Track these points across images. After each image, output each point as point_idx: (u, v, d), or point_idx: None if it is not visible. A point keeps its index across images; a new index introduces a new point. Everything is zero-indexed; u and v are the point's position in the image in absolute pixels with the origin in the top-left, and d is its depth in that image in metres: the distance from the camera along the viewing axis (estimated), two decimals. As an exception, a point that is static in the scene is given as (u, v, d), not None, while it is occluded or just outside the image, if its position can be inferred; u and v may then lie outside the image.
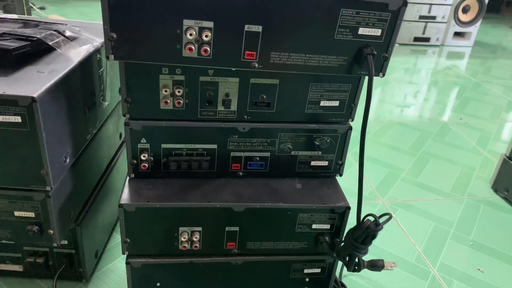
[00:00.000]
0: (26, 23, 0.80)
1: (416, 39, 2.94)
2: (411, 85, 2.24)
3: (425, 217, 1.19)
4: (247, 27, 0.56)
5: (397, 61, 2.61)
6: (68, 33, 0.80)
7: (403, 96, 2.07)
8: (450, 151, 1.57)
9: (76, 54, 0.75)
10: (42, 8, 2.80)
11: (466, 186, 1.35)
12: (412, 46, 2.94)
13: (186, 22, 0.55)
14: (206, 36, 0.55)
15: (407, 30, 2.89)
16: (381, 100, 2.00)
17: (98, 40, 0.83)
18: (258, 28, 0.56)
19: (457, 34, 3.04)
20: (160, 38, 0.55)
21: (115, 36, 0.54)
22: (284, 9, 0.56)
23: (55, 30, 0.78)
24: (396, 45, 2.91)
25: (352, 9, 0.56)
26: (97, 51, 0.80)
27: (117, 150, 1.03)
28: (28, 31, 0.74)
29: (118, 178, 1.01)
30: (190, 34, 0.55)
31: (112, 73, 0.89)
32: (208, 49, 0.56)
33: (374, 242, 1.06)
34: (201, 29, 0.55)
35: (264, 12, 0.55)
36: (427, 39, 2.96)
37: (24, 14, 2.48)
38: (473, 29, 3.01)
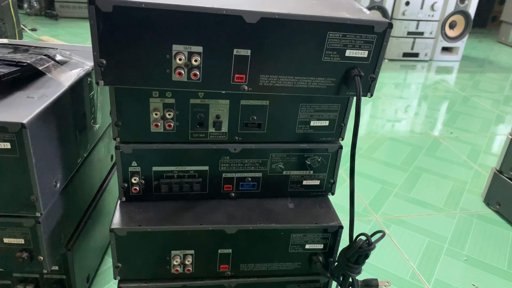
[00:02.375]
0: (16, 48, 0.80)
1: (405, 54, 2.99)
2: (401, 100, 2.26)
3: (418, 233, 1.19)
4: (236, 51, 0.57)
5: (387, 76, 2.64)
6: (58, 57, 0.80)
7: (393, 111, 2.09)
8: (442, 165, 1.58)
9: (66, 78, 0.75)
10: (33, 30, 2.81)
11: (458, 201, 1.36)
12: (401, 62, 2.98)
13: (176, 47, 0.55)
14: (196, 60, 0.56)
15: (396, 45, 2.93)
16: (372, 115, 2.02)
17: (89, 63, 0.83)
18: (247, 52, 0.57)
19: (445, 49, 3.10)
20: (150, 63, 0.56)
21: (104, 62, 0.55)
22: (272, 33, 0.56)
23: (45, 55, 0.78)
24: (386, 60, 2.96)
25: (339, 32, 0.57)
26: (87, 74, 0.81)
27: (109, 172, 1.03)
28: (18, 57, 0.74)
29: (110, 200, 1.00)
30: (180, 59, 0.55)
31: (103, 96, 0.89)
32: (198, 73, 0.57)
33: (368, 259, 1.06)
34: (190, 54, 0.56)
35: (253, 36, 0.56)
36: (416, 55, 3.01)
37: (16, 36, 2.48)
38: (461, 44, 3.06)
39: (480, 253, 1.12)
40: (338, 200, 0.79)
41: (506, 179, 1.26)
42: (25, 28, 2.72)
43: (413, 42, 2.95)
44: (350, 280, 0.72)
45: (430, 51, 3.03)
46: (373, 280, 0.74)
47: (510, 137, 1.24)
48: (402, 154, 1.65)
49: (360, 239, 0.65)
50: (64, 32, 2.90)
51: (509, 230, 1.22)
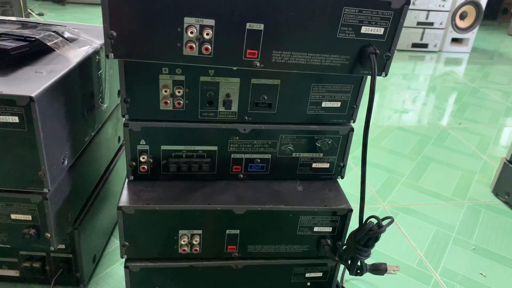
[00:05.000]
0: (24, 24, 0.79)
1: (414, 45, 2.95)
2: (409, 90, 2.24)
3: (426, 222, 1.18)
4: (248, 25, 0.56)
5: (396, 66, 2.61)
6: (67, 35, 0.79)
7: (401, 101, 2.07)
8: (450, 155, 1.57)
9: (75, 55, 0.74)
10: (40, 14, 2.80)
11: (466, 191, 1.35)
12: (410, 52, 2.95)
13: (187, 20, 0.54)
14: (207, 34, 0.55)
15: (405, 36, 2.90)
16: (380, 105, 2.00)
17: (97, 41, 0.82)
18: (260, 26, 0.56)
19: (455, 40, 3.05)
20: (161, 36, 0.55)
21: (115, 34, 0.54)
22: (286, 7, 0.55)
23: (53, 31, 0.77)
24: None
25: (355, 7, 0.56)
26: (96, 52, 0.80)
27: (116, 154, 1.02)
28: (26, 32, 0.73)
29: (117, 182, 1.00)
30: (191, 32, 0.54)
31: (111, 76, 0.88)
32: (209, 47, 0.56)
33: (376, 246, 1.05)
34: (202, 27, 0.55)
35: (266, 9, 0.55)
36: (425, 45, 2.97)
37: (23, 20, 2.47)
38: (471, 35, 3.02)
39: (488, 242, 1.11)
40: (345, 187, 0.78)
41: (516, 169, 1.24)
42: (32, 13, 2.71)
43: (423, 33, 2.91)
44: (359, 264, 0.71)
45: (440, 42, 2.99)
46: (382, 264, 0.74)
47: (522, 126, 1.22)
48: (410, 143, 1.64)
49: (371, 221, 0.64)
50: (71, 17, 2.88)
51: (518, 220, 1.21)
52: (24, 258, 0.81)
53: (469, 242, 1.11)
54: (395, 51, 0.57)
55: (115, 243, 0.99)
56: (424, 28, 2.91)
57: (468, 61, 2.90)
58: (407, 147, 1.60)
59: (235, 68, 0.63)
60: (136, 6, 0.53)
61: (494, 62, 2.90)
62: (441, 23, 2.92)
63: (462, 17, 2.96)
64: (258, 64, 0.58)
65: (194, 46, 0.55)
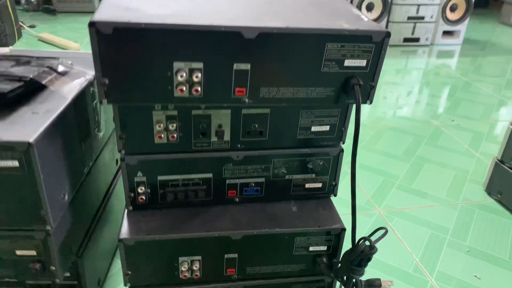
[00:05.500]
0: (17, 61, 0.81)
1: (406, 39, 2.97)
2: (402, 87, 2.26)
3: (421, 225, 1.21)
4: (236, 66, 0.58)
5: (388, 63, 2.63)
6: (60, 68, 0.81)
7: (395, 100, 2.09)
8: (443, 154, 1.59)
9: (69, 90, 0.76)
10: (32, 26, 2.80)
11: (460, 191, 1.37)
12: (402, 47, 2.96)
13: (176, 65, 0.56)
14: (196, 76, 0.57)
15: (397, 31, 2.91)
16: (373, 105, 2.02)
17: (90, 73, 0.84)
18: (247, 66, 0.58)
19: (446, 33, 3.07)
20: (152, 81, 0.57)
21: (107, 81, 0.56)
22: (271, 47, 0.57)
23: (47, 67, 0.79)
24: (386, 46, 2.93)
25: (337, 42, 0.58)
26: (90, 84, 0.81)
27: (115, 176, 1.04)
28: (20, 71, 0.75)
29: (117, 204, 1.02)
30: (181, 76, 0.56)
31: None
32: (199, 89, 0.58)
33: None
34: (191, 70, 0.57)
35: (252, 51, 0.57)
36: (417, 39, 2.99)
37: (15, 34, 2.48)
38: (462, 27, 3.04)
39: (482, 243, 1.14)
40: (341, 193, 0.80)
41: (508, 168, 1.27)
42: (24, 26, 2.71)
43: (414, 27, 2.93)
44: (354, 280, 0.74)
45: (431, 36, 3.01)
46: (376, 280, 0.76)
47: (511, 127, 1.25)
48: (403, 144, 1.66)
49: (363, 243, 0.67)
50: (63, 28, 2.89)
51: (511, 219, 1.24)
52: (31, 286, 0.83)
53: (463, 244, 1.14)
54: (388, 46, 0.59)
55: (119, 264, 1.02)
56: (415, 23, 2.92)
57: (460, 53, 2.92)
58: (400, 148, 1.62)
59: (225, 105, 0.65)
60: (126, 54, 0.54)
61: (486, 53, 2.92)
62: (431, 17, 2.93)
63: (453, 9, 2.98)
64: (247, 101, 0.61)
65: (185, 88, 0.57)
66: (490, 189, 1.34)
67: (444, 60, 2.76)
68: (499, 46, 3.11)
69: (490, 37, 3.36)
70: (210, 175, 0.74)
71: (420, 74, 2.48)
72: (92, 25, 0.52)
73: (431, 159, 1.56)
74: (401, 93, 2.18)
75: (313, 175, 0.78)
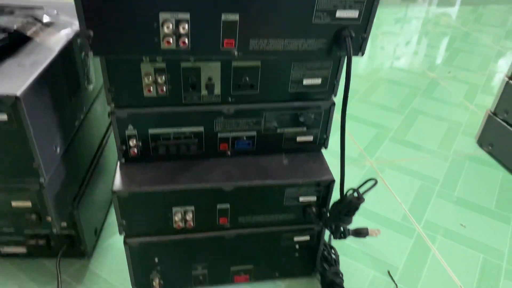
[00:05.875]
0: (0, 11, 0.78)
1: (407, -13, 2.87)
2: (401, 37, 2.21)
3: (412, 176, 1.23)
4: (224, 16, 0.56)
5: (387, 12, 2.56)
6: (45, 19, 0.79)
7: (392, 51, 2.06)
8: (438, 107, 1.59)
9: (56, 42, 0.74)
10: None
11: (452, 143, 1.39)
12: (403, -5, 2.87)
13: (162, 15, 0.54)
14: (183, 28, 0.55)
15: (397, -22, 2.80)
16: (370, 57, 1.99)
17: (77, 23, 0.81)
18: (235, 16, 0.56)
19: (449, -20, 2.96)
20: (138, 32, 0.55)
21: (92, 34, 0.54)
22: (260, -3, 0.55)
23: (32, 17, 0.76)
24: (386, -6, 2.84)
25: (329, -8, 0.56)
26: (77, 35, 0.79)
27: (107, 129, 1.04)
28: (3, 21, 0.73)
29: (111, 155, 1.03)
30: (167, 27, 0.55)
31: (94, 55, 0.88)
32: (186, 40, 0.57)
33: (362, 203, 1.10)
34: (178, 21, 0.55)
35: (240, 0, 0.55)
36: (418, -13, 2.88)
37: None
38: (465, -26, 2.92)
39: (470, 194, 1.17)
40: (333, 146, 0.81)
41: (500, 121, 1.27)
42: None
43: (415, -26, 2.82)
44: (342, 229, 0.76)
45: (433, -17, 2.90)
46: (363, 228, 0.79)
47: (506, 79, 1.24)
48: (399, 96, 1.65)
49: (351, 193, 0.69)
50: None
51: (500, 170, 1.26)
52: (29, 236, 0.86)
53: (452, 194, 1.17)
54: None
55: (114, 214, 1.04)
56: (417, -31, 2.81)
57: (461, 1, 2.83)
58: (396, 101, 1.62)
59: (214, 58, 0.64)
60: (110, 5, 0.53)
61: (488, 1, 2.83)
62: (434, -38, 2.81)
63: (457, -46, 2.85)
64: (236, 53, 0.59)
65: (171, 40, 0.56)
66: (482, 141, 1.36)
67: (444, 8, 2.68)
68: (502, -6, 3.01)
69: (494, -16, 3.24)
70: (201, 128, 0.74)
71: (419, 24, 2.42)
72: (73, -27, 0.50)
73: (426, 111, 1.56)
74: (399, 43, 2.14)
75: (305, 129, 0.78)
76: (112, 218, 1.03)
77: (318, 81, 0.72)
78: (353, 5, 0.58)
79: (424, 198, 1.15)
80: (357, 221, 1.04)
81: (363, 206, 1.10)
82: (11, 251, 0.88)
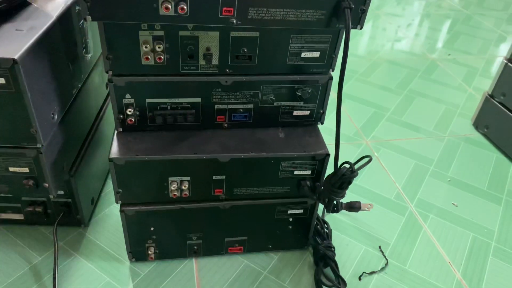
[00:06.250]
0: (-2, -25, 0.77)
1: (410, -32, 2.83)
2: (402, 19, 2.20)
3: (406, 156, 1.24)
4: (223, -17, 0.56)
5: (390, -8, 2.53)
6: (43, -16, 0.78)
7: (393, 32, 2.04)
8: (436, 88, 1.59)
9: (54, 8, 0.74)
10: None
11: (448, 124, 1.40)
12: (406, -24, 2.83)
13: (161, -20, 0.54)
14: (182, -6, 0.55)
15: (401, -42, 2.76)
16: (371, 37, 1.98)
17: (75, -10, 0.81)
18: (235, -16, 0.56)
19: (453, -38, 2.92)
20: (136, -3, 0.55)
21: (90, -3, 0.54)
22: (260, -36, 0.55)
23: (29, -18, 0.75)
24: (389, -25, 2.80)
25: (329, -38, 0.56)
26: (75, 2, 0.79)
27: (105, 100, 1.04)
28: (2, -15, 0.72)
29: (108, 127, 1.03)
30: (166, -7, 0.55)
31: (93, 24, 0.88)
32: (185, 7, 0.56)
33: (357, 181, 1.12)
34: (177, -13, 0.55)
35: (240, -33, 0.55)
36: (422, -32, 2.85)
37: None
38: (470, -44, 2.88)
39: (463, 174, 1.19)
40: (329, 123, 0.82)
41: (497, 103, 1.28)
42: None
43: (420, -46, 2.77)
44: (335, 202, 0.77)
45: (437, -36, 2.86)
46: (356, 202, 0.80)
47: (505, 61, 1.24)
48: (398, 77, 1.65)
49: (344, 166, 0.70)
50: None
51: (494, 152, 1.28)
52: (26, 203, 0.87)
53: (446, 174, 1.18)
54: None
55: (112, 185, 1.05)
56: (422, -51, 2.76)
57: (465, -16, 2.80)
58: (394, 81, 1.62)
59: (212, 25, 0.64)
60: (108, -32, 0.52)
61: (492, -15, 2.80)
62: None
63: None
64: (234, 21, 0.59)
65: (170, 6, 0.56)
66: (478, 123, 1.36)
67: (448, -9, 2.65)
68: (507, -22, 2.98)
69: (499, -32, 3.20)
70: (198, 99, 0.74)
71: (421, 6, 2.40)
72: None
73: (424, 92, 1.56)
74: (400, 25, 2.13)
75: (301, 103, 0.78)
76: (109, 188, 1.04)
77: (316, 54, 0.72)
78: (353, -24, 0.57)
79: (418, 178, 1.16)
80: (351, 198, 1.06)
81: (357, 184, 1.12)
82: (9, 217, 0.89)
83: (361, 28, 0.63)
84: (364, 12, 0.61)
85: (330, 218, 1.00)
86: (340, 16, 0.61)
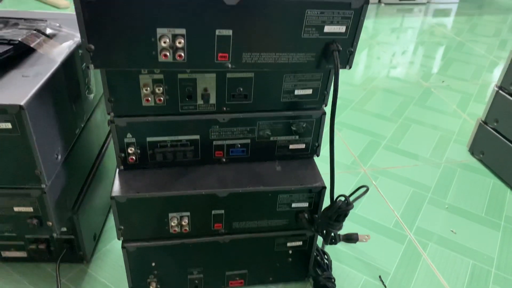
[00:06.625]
0: (6, 23, 0.82)
1: (402, -3, 2.92)
2: (396, 47, 2.25)
3: (404, 183, 1.26)
4: (218, 32, 0.59)
5: (383, 22, 2.60)
6: (48, 31, 0.82)
7: (388, 60, 2.10)
8: (431, 115, 1.62)
9: (58, 53, 0.77)
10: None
11: (444, 151, 1.42)
12: (398, 5, 2.92)
13: (160, 31, 0.58)
14: (180, 42, 0.58)
15: (393, -12, 2.86)
16: (366, 66, 2.03)
17: (79, 35, 0.84)
18: (229, 32, 0.60)
19: (444, -10, 3.02)
20: (136, 46, 0.58)
21: (93, 47, 0.57)
22: (252, 14, 0.58)
23: (35, 29, 0.79)
24: (382, 5, 2.89)
25: (317, 9, 0.59)
26: (78, 46, 0.83)
27: (107, 136, 1.07)
28: (9, 33, 0.76)
29: (110, 163, 1.06)
30: (164, 42, 0.58)
31: (95, 65, 0.91)
32: (183, 54, 0.60)
33: (355, 210, 1.13)
34: (174, 36, 0.58)
35: (233, 17, 0.58)
36: (414, -3, 2.94)
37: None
38: (460, -15, 2.98)
39: (461, 201, 1.20)
40: (326, 153, 0.84)
41: (491, 129, 1.30)
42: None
43: (411, -16, 2.87)
44: (333, 234, 0.79)
45: (428, -7, 2.95)
46: (353, 234, 0.82)
47: (496, 89, 1.27)
48: (393, 105, 1.69)
49: (340, 200, 0.71)
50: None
51: (490, 177, 1.29)
52: (29, 241, 0.88)
53: (443, 201, 1.20)
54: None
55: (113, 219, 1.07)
56: (413, -20, 2.86)
57: (456, 11, 2.88)
58: (390, 109, 1.65)
59: (208, 70, 0.67)
60: (110, 20, 0.56)
61: (482, 12, 2.88)
62: (429, -27, 2.87)
63: (451, -35, 2.91)
64: (229, 66, 0.63)
65: (168, 53, 0.59)
66: (473, 149, 1.39)
67: (440, 19, 2.73)
68: (497, 4, 3.07)
69: (489, -5, 3.30)
70: (197, 136, 0.77)
71: (415, 34, 2.46)
72: (76, -9, 0.53)
73: (419, 120, 1.59)
74: (395, 53, 2.18)
75: (297, 137, 0.81)
76: (111, 223, 1.06)
77: (309, 91, 0.75)
78: (340, 21, 0.61)
79: (416, 205, 1.18)
80: (350, 228, 1.08)
81: (356, 213, 1.14)
82: (12, 255, 0.90)
83: (350, 68, 0.66)
84: (352, 53, 0.64)
85: (330, 248, 1.01)
86: (329, 58, 0.64)
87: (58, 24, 0.86)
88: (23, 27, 0.80)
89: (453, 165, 1.35)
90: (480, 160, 1.36)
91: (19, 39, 0.74)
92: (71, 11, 0.71)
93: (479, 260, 1.01)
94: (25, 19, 0.85)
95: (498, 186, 1.26)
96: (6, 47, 0.71)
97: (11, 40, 0.73)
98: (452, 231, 1.10)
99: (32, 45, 0.75)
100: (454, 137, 1.49)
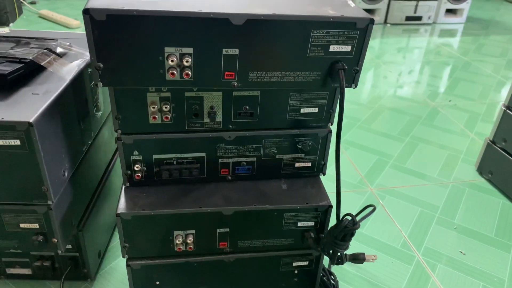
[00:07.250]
0: (17, 42, 0.83)
1: (408, 18, 2.95)
2: (403, 67, 2.26)
3: (411, 203, 1.24)
4: (224, 51, 0.60)
5: (389, 42, 2.62)
6: (59, 50, 0.84)
7: (394, 80, 2.10)
8: (439, 135, 1.62)
9: (68, 71, 0.79)
10: (32, 3, 2.80)
11: (452, 170, 1.40)
12: (404, 26, 2.94)
13: (167, 50, 0.59)
14: (187, 61, 0.59)
15: (399, 9, 2.89)
16: (373, 85, 2.04)
17: (88, 54, 0.86)
18: (235, 51, 0.60)
19: (449, 11, 3.04)
20: (144, 65, 0.59)
21: (102, 65, 0.58)
22: (258, 33, 0.59)
23: (46, 48, 0.81)
24: (388, 25, 2.92)
25: (322, 29, 0.60)
26: (88, 65, 0.84)
27: (114, 153, 1.08)
28: (20, 52, 0.78)
29: (116, 180, 1.06)
30: (172, 60, 0.59)
31: (104, 84, 0.93)
32: (190, 72, 0.61)
33: (363, 229, 1.12)
34: (182, 55, 0.59)
35: (240, 37, 0.59)
36: (419, 18, 2.96)
37: (15, 11, 2.48)
38: (465, 5, 3.00)
39: (470, 221, 1.18)
40: (333, 172, 0.84)
41: (499, 149, 1.29)
42: (24, 2, 2.71)
43: (416, 5, 2.90)
44: (339, 254, 0.78)
45: (434, 14, 2.98)
46: (360, 254, 0.80)
47: (504, 108, 1.27)
48: (400, 124, 1.68)
49: (346, 219, 0.71)
50: (63, 4, 2.88)
51: (499, 198, 1.28)
52: (34, 258, 0.88)
53: (452, 221, 1.18)
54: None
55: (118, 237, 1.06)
56: (418, 1, 2.89)
57: (462, 32, 2.90)
58: (396, 128, 1.65)
59: (215, 88, 0.68)
60: (119, 40, 0.57)
61: (488, 32, 2.89)
62: (435, -6, 2.90)
63: (457, -13, 2.94)
64: (236, 84, 0.63)
65: (176, 72, 0.60)
66: (482, 169, 1.37)
67: (446, 39, 2.75)
68: (503, 25, 3.08)
69: (494, 16, 3.32)
70: (203, 154, 0.77)
71: (421, 53, 2.48)
72: (86, 12, 0.54)
73: (426, 139, 1.59)
74: (401, 72, 2.19)
75: (303, 155, 0.81)
76: (116, 241, 1.06)
77: (315, 110, 0.76)
78: (345, 40, 0.62)
79: (424, 225, 1.16)
80: (357, 248, 1.06)
81: (363, 232, 1.12)
82: (17, 272, 0.90)
83: (356, 86, 0.66)
84: (357, 72, 0.65)
85: (336, 269, 0.99)
86: (335, 77, 0.64)
87: (68, 43, 0.88)
88: (34, 46, 0.82)
89: (461, 184, 1.33)
90: (489, 180, 1.35)
91: (30, 57, 0.75)
92: (82, 30, 0.72)
93: (490, 282, 0.99)
94: (36, 38, 0.87)
95: (508, 206, 1.24)
96: (17, 65, 0.73)
97: (22, 58, 0.74)
98: (461, 252, 1.08)
99: (42, 64, 0.76)
100: (462, 157, 1.48)
